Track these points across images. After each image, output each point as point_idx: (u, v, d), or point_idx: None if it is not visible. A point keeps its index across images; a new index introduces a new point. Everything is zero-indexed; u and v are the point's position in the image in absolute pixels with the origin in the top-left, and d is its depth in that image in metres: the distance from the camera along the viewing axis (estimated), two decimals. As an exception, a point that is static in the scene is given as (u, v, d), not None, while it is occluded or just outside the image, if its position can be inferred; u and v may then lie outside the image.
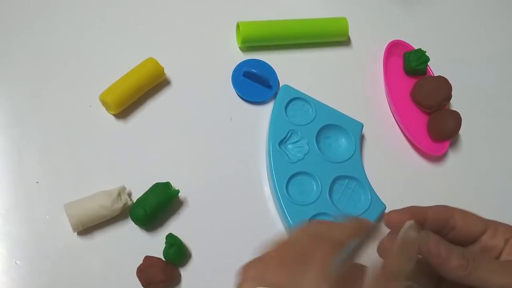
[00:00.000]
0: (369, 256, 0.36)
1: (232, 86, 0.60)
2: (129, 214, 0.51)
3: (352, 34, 0.65)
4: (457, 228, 0.37)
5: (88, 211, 0.49)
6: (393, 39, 0.65)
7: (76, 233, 0.50)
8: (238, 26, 0.61)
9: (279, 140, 0.55)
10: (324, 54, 0.64)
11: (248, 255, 0.52)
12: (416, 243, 0.34)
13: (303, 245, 0.34)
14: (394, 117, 0.62)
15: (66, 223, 0.49)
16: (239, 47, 0.62)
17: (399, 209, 0.37)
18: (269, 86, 0.60)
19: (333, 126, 0.58)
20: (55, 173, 0.53)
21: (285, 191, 0.53)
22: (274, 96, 0.59)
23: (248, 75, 0.59)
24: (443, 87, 0.60)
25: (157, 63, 0.57)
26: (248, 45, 0.62)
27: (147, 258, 0.49)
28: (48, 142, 0.54)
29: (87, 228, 0.50)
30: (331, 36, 0.64)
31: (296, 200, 0.53)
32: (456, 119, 0.59)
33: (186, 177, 0.54)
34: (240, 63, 0.61)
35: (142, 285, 0.48)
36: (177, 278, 0.50)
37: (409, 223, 0.35)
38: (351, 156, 0.56)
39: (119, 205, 0.50)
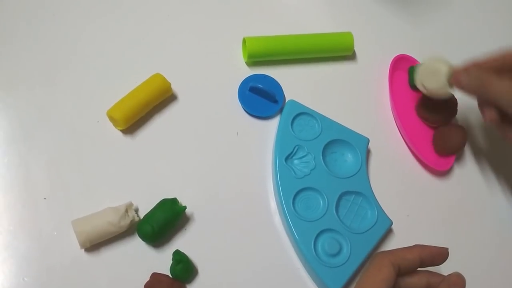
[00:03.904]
0: None
1: (239, 101, 0.60)
2: (136, 230, 0.51)
3: (357, 49, 0.66)
4: None
5: (96, 228, 0.49)
6: (399, 54, 0.65)
7: (83, 250, 0.50)
8: (244, 41, 0.62)
9: (286, 155, 0.56)
10: (329, 68, 0.65)
11: (254, 270, 0.52)
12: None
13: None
14: (400, 132, 0.62)
15: (73, 239, 0.49)
16: (245, 62, 0.63)
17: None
18: (275, 101, 0.60)
19: (339, 141, 0.58)
20: (63, 189, 0.53)
21: (292, 207, 0.53)
22: (280, 111, 0.60)
23: (254, 90, 0.60)
24: (449, 102, 0.60)
25: (164, 78, 0.57)
26: (254, 60, 0.62)
27: (154, 275, 0.49)
28: (55, 158, 0.54)
29: (95, 244, 0.50)
30: (336, 51, 0.65)
31: (302, 216, 0.53)
32: (462, 134, 0.59)
33: (193, 192, 0.55)
34: (246, 78, 0.61)
35: (149, 302, 0.48)
36: (184, 295, 0.50)
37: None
38: (358, 171, 0.56)
39: (127, 221, 0.50)
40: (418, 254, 0.41)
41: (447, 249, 0.42)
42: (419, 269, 0.42)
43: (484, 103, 0.52)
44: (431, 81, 0.55)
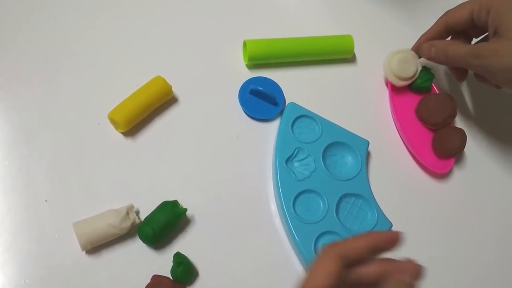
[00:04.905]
0: None
1: (239, 104, 0.60)
2: (137, 232, 0.51)
3: (357, 51, 0.66)
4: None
5: (97, 230, 0.49)
6: (398, 56, 0.65)
7: (84, 252, 0.50)
8: (244, 44, 0.62)
9: (286, 158, 0.56)
10: (330, 71, 0.65)
11: (254, 273, 0.52)
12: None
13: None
14: (400, 134, 0.63)
15: (75, 241, 0.49)
16: (246, 65, 0.63)
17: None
18: (276, 104, 0.60)
19: (339, 144, 0.58)
20: (64, 191, 0.53)
21: (292, 209, 0.53)
22: (281, 114, 0.60)
23: (254, 92, 0.60)
24: (448, 104, 0.60)
25: (165, 81, 0.57)
26: (255, 63, 0.63)
27: (155, 277, 0.49)
28: (57, 160, 0.54)
29: (96, 246, 0.50)
30: (337, 54, 0.65)
31: (303, 218, 0.53)
32: (461, 136, 0.60)
33: (193, 194, 0.55)
34: (247, 80, 0.61)
35: (150, 304, 0.48)
36: (185, 297, 0.51)
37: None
38: (357, 174, 0.57)
39: (128, 223, 0.50)
40: (366, 242, 0.39)
41: (398, 232, 0.39)
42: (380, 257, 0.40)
43: (452, 67, 0.61)
44: (408, 69, 0.61)
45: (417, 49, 0.62)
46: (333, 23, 0.69)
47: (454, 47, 0.55)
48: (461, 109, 0.65)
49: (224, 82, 0.61)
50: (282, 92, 0.61)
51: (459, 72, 0.60)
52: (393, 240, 0.39)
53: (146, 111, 0.56)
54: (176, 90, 0.59)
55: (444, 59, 0.57)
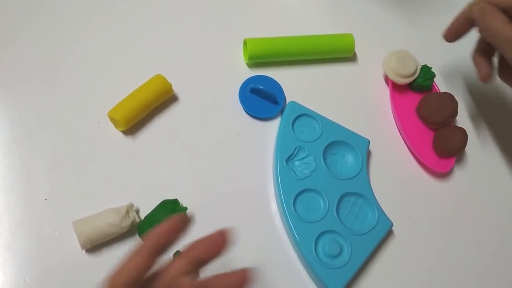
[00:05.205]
0: None
1: (239, 102, 0.60)
2: (137, 231, 0.51)
3: (358, 50, 0.66)
4: None
5: (97, 229, 0.49)
6: (399, 55, 0.65)
7: (84, 251, 0.50)
8: (245, 42, 0.62)
9: (286, 157, 0.56)
10: (330, 70, 0.65)
11: (254, 272, 0.52)
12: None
13: None
14: (400, 134, 0.62)
15: (74, 240, 0.49)
16: (246, 64, 0.63)
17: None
18: (276, 102, 0.60)
19: (340, 143, 0.58)
20: (64, 190, 0.53)
21: (292, 208, 0.53)
22: (281, 112, 0.60)
23: (255, 91, 0.60)
24: (449, 103, 0.60)
25: (165, 79, 0.57)
26: (255, 61, 0.62)
27: (155, 276, 0.49)
28: (56, 159, 0.54)
29: (95, 245, 0.50)
30: (337, 52, 0.65)
31: (303, 217, 0.53)
32: (462, 135, 0.59)
33: (193, 193, 0.55)
34: (247, 79, 0.61)
35: (150, 303, 0.48)
36: (185, 296, 0.50)
37: None
38: (358, 173, 0.57)
39: (127, 222, 0.50)
40: (141, 253, 0.36)
41: (175, 223, 0.37)
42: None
43: (480, 58, 0.57)
44: (408, 67, 0.61)
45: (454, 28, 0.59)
46: (333, 21, 0.68)
47: (494, 12, 0.51)
48: (462, 108, 0.65)
49: (224, 81, 0.61)
50: (283, 91, 0.61)
51: (485, 70, 0.56)
52: (170, 234, 0.37)
53: (146, 110, 0.56)
54: (176, 89, 0.59)
55: (480, 18, 0.53)
